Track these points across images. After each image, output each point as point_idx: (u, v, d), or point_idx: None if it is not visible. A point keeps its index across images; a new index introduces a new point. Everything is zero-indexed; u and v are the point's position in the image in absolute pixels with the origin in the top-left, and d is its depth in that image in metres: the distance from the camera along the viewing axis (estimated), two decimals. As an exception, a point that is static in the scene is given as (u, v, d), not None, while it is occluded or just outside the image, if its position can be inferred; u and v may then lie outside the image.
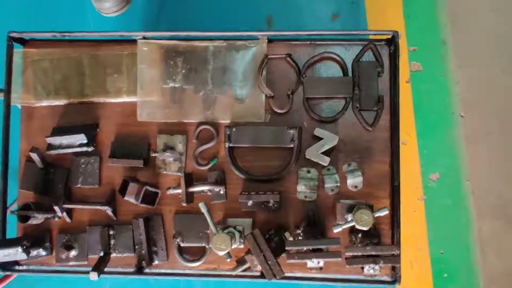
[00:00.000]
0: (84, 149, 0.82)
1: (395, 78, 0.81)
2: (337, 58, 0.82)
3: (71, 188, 0.84)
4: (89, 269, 0.77)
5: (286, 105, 0.82)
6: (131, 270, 0.83)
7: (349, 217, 0.73)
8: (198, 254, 0.82)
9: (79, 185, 0.84)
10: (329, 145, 0.80)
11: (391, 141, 0.81)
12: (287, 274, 0.79)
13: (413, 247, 1.34)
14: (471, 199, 1.34)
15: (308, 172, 0.82)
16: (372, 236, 0.76)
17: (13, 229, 0.85)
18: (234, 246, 0.73)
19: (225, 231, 0.73)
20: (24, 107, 0.86)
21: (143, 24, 1.36)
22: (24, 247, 0.78)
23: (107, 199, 0.82)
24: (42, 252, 0.82)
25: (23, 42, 0.86)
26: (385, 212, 0.67)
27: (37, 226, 0.83)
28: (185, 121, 0.84)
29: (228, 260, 0.72)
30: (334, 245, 0.69)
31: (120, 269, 0.84)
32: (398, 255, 0.70)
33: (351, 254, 0.70)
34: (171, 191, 0.81)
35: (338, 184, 0.81)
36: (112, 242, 0.82)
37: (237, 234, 0.74)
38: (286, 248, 0.71)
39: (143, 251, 0.81)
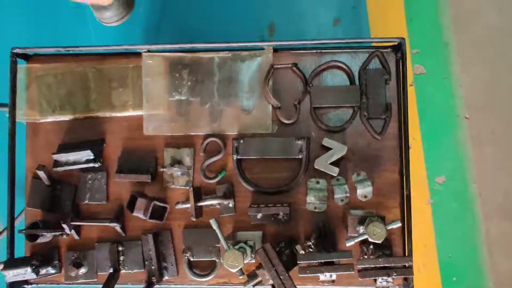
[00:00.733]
0: (91, 165, 0.81)
1: (403, 85, 0.80)
2: (344, 66, 0.81)
3: (78, 204, 0.84)
4: (99, 286, 0.76)
5: (293, 116, 0.82)
6: (141, 286, 0.82)
7: (361, 229, 0.72)
8: (208, 268, 0.82)
9: (86, 201, 0.83)
10: (338, 155, 0.79)
11: (400, 149, 0.81)
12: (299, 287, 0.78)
13: (421, 250, 1.34)
14: (478, 201, 1.34)
15: (317, 182, 0.81)
16: (384, 247, 0.75)
17: (21, 246, 0.84)
18: (246, 261, 0.72)
19: (236, 246, 0.72)
20: (29, 123, 0.85)
21: (145, 33, 1.35)
22: (33, 266, 0.77)
23: (115, 215, 0.82)
24: (51, 270, 0.81)
25: (26, 57, 0.85)
26: (397, 225, 0.66)
27: (45, 244, 0.83)
28: (192, 134, 0.83)
29: (241, 277, 0.71)
30: (346, 258, 0.68)
31: (130, 286, 0.83)
32: (411, 266, 0.69)
33: (363, 266, 0.69)
34: (179, 206, 0.80)
35: (348, 195, 0.80)
36: (121, 258, 0.82)
37: (248, 250, 0.73)
38: (298, 262, 0.71)
39: (152, 267, 0.81)
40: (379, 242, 0.67)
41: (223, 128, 0.83)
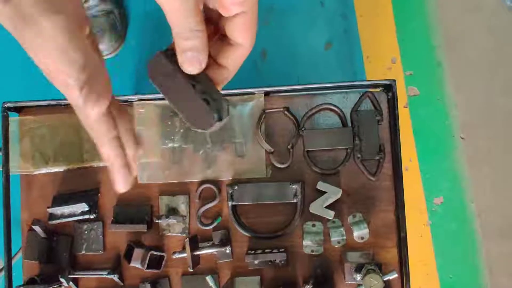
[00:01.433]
0: (86, 216, 0.81)
1: (395, 126, 0.81)
2: (335, 109, 0.81)
3: (75, 255, 0.84)
4: None
5: (287, 160, 0.82)
6: (141, 336, 0.82)
7: (358, 276, 0.72)
8: (207, 315, 0.82)
9: (83, 252, 0.83)
10: (333, 199, 0.79)
11: (395, 190, 0.81)
12: (298, 333, 0.78)
13: (422, 272, 1.34)
14: (477, 221, 1.34)
15: (313, 225, 0.81)
16: (382, 291, 0.75)
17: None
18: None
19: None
20: (23, 176, 0.85)
21: (137, 66, 1.35)
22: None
23: (113, 265, 0.82)
24: (50, 323, 0.81)
25: (18, 110, 0.85)
26: (394, 276, 0.66)
27: (44, 297, 0.83)
28: (187, 181, 0.83)
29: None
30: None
31: (130, 336, 0.83)
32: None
33: (362, 314, 0.69)
34: (176, 256, 0.80)
35: (344, 237, 0.80)
36: (120, 309, 0.82)
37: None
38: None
39: (152, 316, 0.81)
40: (376, 293, 0.67)
41: (218, 174, 0.83)
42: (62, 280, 0.79)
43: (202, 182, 0.83)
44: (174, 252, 0.81)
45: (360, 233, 0.79)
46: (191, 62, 0.35)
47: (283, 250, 0.79)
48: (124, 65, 1.34)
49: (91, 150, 0.84)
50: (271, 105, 0.83)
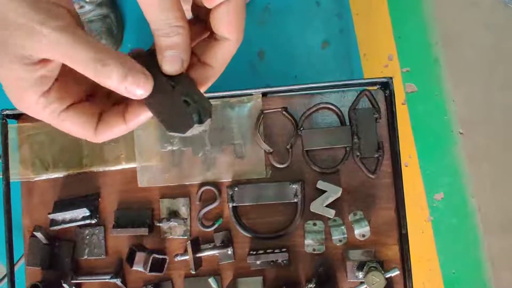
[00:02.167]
0: (87, 221, 0.82)
1: (393, 123, 0.81)
2: (333, 108, 0.82)
3: (78, 260, 0.84)
4: None
5: (286, 160, 0.82)
6: None
7: (360, 274, 0.72)
8: (211, 317, 0.82)
9: (85, 257, 0.83)
10: (333, 197, 0.79)
11: (395, 187, 0.81)
12: (302, 332, 0.78)
13: (425, 268, 1.34)
14: (478, 216, 1.34)
15: (314, 224, 0.81)
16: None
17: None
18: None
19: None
20: (23, 183, 0.85)
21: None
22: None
23: (115, 269, 0.82)
24: (54, 329, 0.81)
25: (17, 116, 0.85)
26: (396, 273, 0.67)
27: (47, 303, 0.83)
28: (187, 183, 0.83)
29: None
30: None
31: None
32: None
33: (365, 312, 0.70)
34: (178, 258, 0.80)
35: (345, 235, 0.80)
36: (123, 313, 0.82)
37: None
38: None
39: (155, 320, 0.81)
40: (379, 290, 0.67)
41: (217, 176, 0.83)
42: (65, 285, 0.79)
43: (202, 184, 0.83)
44: (176, 255, 0.81)
45: (361, 231, 0.79)
46: (171, 62, 0.32)
47: (284, 250, 0.79)
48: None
49: (91, 155, 0.84)
50: (269, 106, 0.83)
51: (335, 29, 1.38)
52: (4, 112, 0.83)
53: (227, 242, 0.82)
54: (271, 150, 0.81)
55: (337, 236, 0.80)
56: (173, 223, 0.81)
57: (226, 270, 0.82)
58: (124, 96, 0.33)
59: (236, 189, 0.81)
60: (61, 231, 0.84)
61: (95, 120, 0.35)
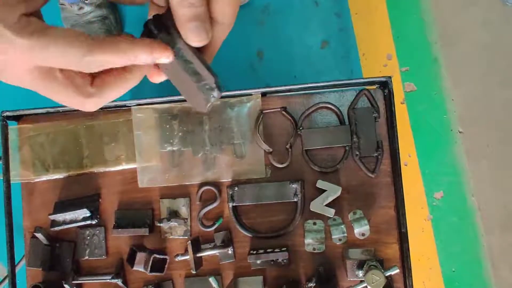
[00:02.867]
0: (88, 222, 0.82)
1: (392, 122, 0.81)
2: (332, 107, 0.82)
3: (78, 261, 0.84)
4: None
5: (286, 159, 0.82)
6: None
7: (360, 273, 0.72)
8: (212, 316, 0.82)
9: (86, 257, 0.84)
10: (333, 197, 0.79)
11: (394, 186, 0.81)
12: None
13: (425, 266, 1.34)
14: (477, 215, 1.34)
15: (314, 224, 0.82)
16: (385, 286, 0.75)
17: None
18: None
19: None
20: (24, 184, 0.85)
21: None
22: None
23: (116, 269, 0.82)
24: (55, 329, 0.81)
25: (17, 118, 0.86)
26: (396, 271, 0.67)
27: (48, 304, 0.83)
28: (187, 183, 0.83)
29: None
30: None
31: None
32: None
33: (365, 310, 0.70)
34: (179, 258, 0.80)
35: (345, 234, 0.80)
36: (125, 313, 0.82)
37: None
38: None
39: (156, 320, 0.81)
40: (379, 288, 0.67)
41: (217, 176, 0.83)
42: (66, 286, 0.79)
43: (202, 184, 0.83)
44: (177, 255, 0.81)
45: (361, 229, 0.80)
46: (197, 32, 0.33)
47: (285, 249, 0.79)
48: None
49: (91, 156, 0.84)
50: (268, 106, 0.83)
51: (334, 29, 1.38)
52: (5, 114, 0.83)
53: (228, 241, 0.82)
54: (271, 150, 0.82)
55: (337, 235, 0.80)
56: (173, 223, 0.81)
57: (227, 270, 0.83)
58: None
59: (236, 189, 0.81)
60: (61, 232, 0.84)
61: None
